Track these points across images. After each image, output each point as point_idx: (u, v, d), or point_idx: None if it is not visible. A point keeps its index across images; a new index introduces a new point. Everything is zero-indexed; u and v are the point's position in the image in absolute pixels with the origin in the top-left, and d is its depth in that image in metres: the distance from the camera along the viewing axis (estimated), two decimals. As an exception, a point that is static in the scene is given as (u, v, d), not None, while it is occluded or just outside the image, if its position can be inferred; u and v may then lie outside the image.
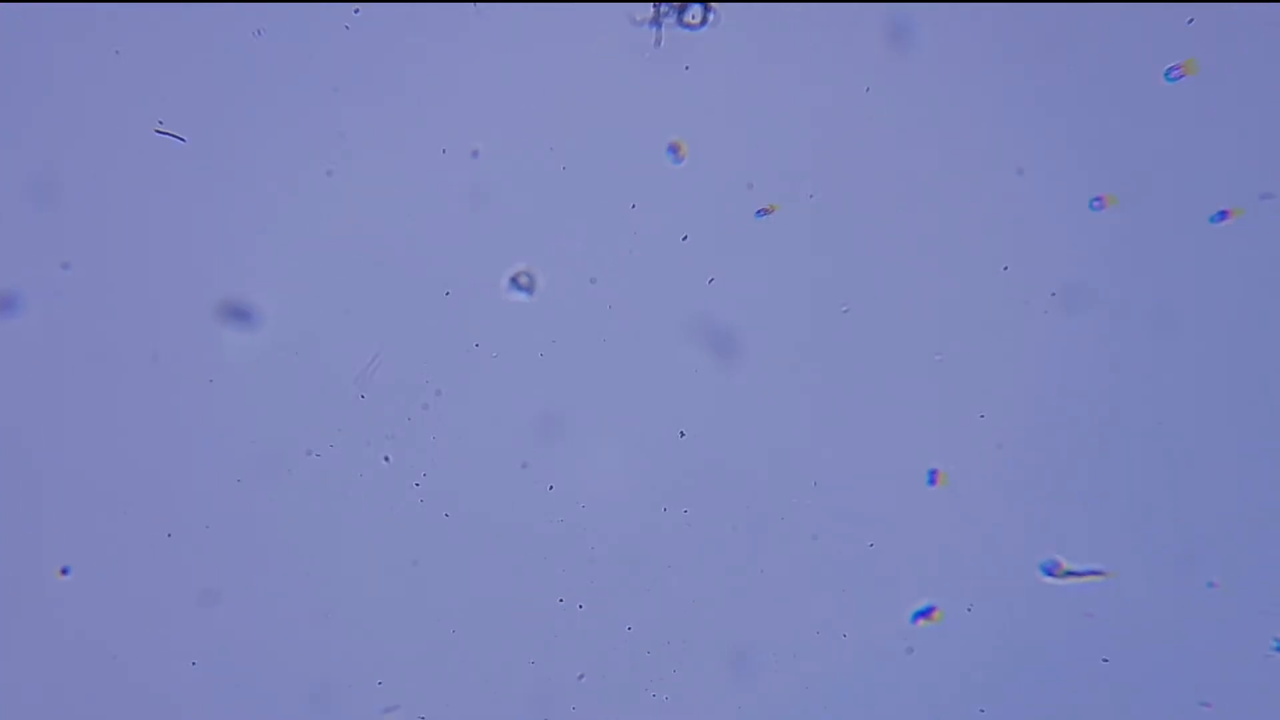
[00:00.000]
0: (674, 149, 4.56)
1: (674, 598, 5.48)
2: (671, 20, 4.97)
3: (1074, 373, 5.29)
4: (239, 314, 5.23)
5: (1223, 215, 4.88)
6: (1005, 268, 5.22)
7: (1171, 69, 4.76)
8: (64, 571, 5.34)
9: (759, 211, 4.67)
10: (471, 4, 5.04)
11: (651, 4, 4.96)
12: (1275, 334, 5.24)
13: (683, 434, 5.37)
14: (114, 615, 5.43)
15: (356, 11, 5.04)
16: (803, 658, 5.50)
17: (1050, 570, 5.14)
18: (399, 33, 5.08)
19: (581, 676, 5.52)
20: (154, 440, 5.33)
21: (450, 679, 5.52)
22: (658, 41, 4.99)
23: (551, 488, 5.40)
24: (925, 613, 5.32)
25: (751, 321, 5.30)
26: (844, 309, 5.24)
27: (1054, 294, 5.20)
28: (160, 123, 5.08)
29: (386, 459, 5.37)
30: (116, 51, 5.06)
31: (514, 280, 4.70)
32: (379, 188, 5.21)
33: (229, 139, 5.14)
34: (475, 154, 5.14)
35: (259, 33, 4.50)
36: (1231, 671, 5.43)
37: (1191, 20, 4.99)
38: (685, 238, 5.23)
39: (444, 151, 5.17)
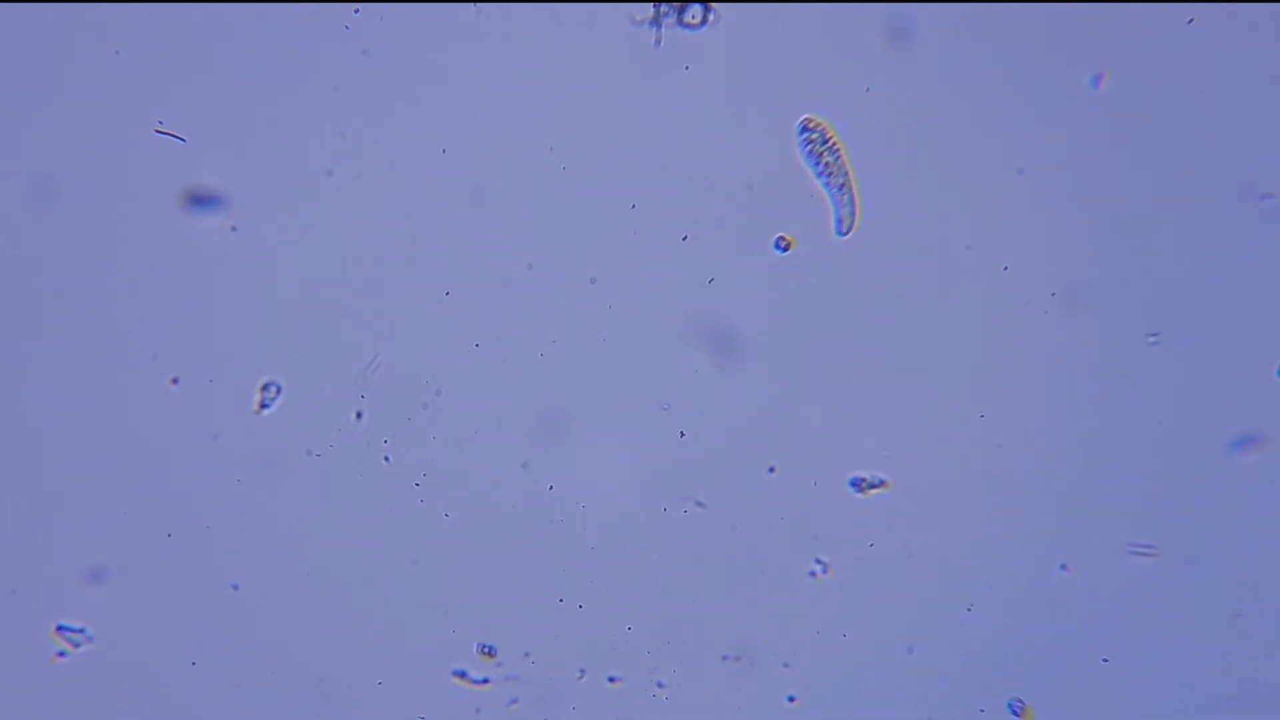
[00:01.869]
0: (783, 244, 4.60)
1: (674, 598, 5.48)
2: (671, 20, 4.97)
3: (1075, 373, 5.29)
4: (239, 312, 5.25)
5: (1097, 81, 4.85)
6: (1005, 268, 5.22)
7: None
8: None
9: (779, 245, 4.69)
10: (471, 4, 5.04)
11: (651, 4, 4.96)
12: (1275, 333, 5.24)
13: (683, 434, 5.37)
14: (114, 614, 5.43)
15: (356, 11, 5.04)
16: (803, 658, 5.50)
17: (855, 484, 5.16)
18: (398, 33, 5.08)
19: (582, 676, 5.52)
20: (154, 440, 5.33)
21: (450, 679, 5.52)
22: (658, 41, 4.99)
23: (551, 488, 5.41)
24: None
25: (751, 321, 5.30)
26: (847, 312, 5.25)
27: (1054, 294, 5.21)
28: (160, 123, 5.08)
29: (386, 459, 5.37)
30: (116, 51, 5.06)
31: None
32: (379, 188, 5.21)
33: (229, 139, 5.14)
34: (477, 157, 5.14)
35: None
36: (1230, 671, 5.43)
37: (1192, 20, 4.99)
38: (685, 238, 5.24)
39: (444, 151, 5.17)
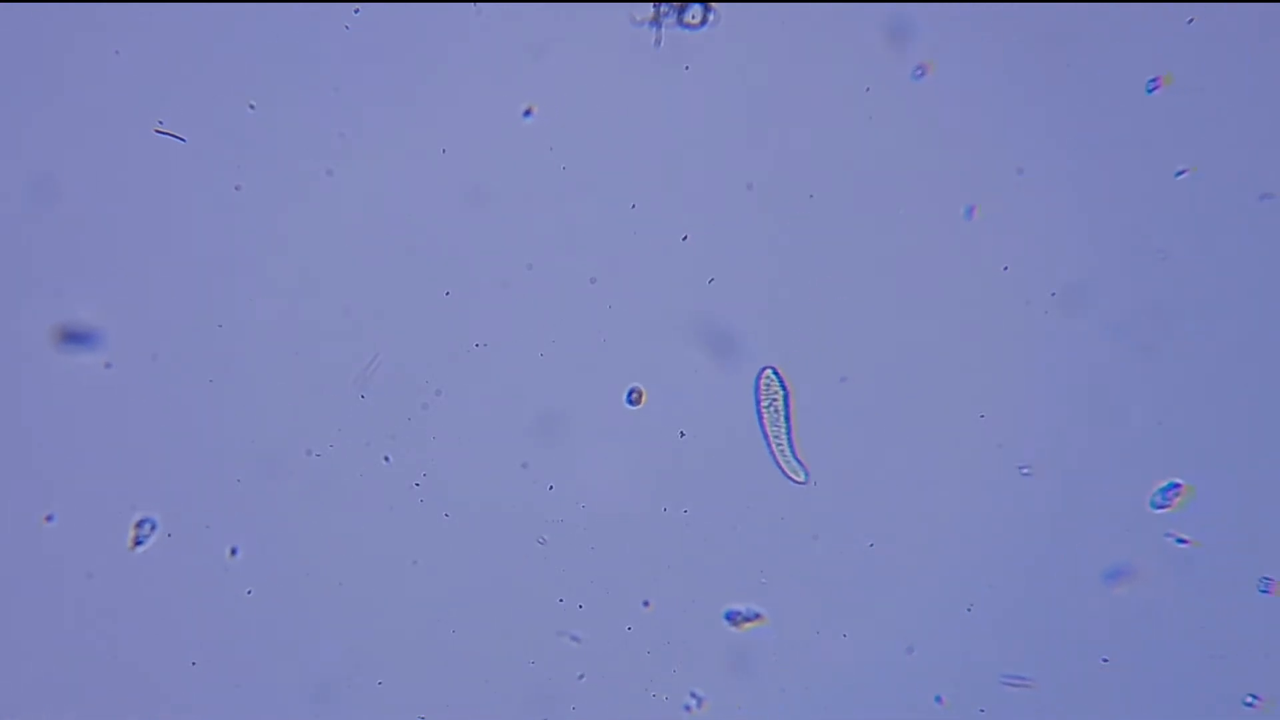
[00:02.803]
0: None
1: (674, 597, 5.48)
2: (671, 20, 4.97)
3: (1074, 373, 5.29)
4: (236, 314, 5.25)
5: (1154, 83, 4.88)
6: (1005, 268, 5.22)
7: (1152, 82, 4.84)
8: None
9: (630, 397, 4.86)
10: (471, 4, 5.04)
11: (651, 4, 4.96)
12: (1275, 334, 5.24)
13: (683, 434, 5.37)
14: (114, 614, 5.43)
15: (356, 11, 5.04)
16: (803, 658, 5.50)
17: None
18: (399, 33, 5.09)
19: (581, 676, 5.53)
20: (154, 440, 5.34)
21: (450, 679, 5.53)
22: (658, 41, 4.99)
23: (551, 488, 5.41)
24: None
25: (751, 321, 5.30)
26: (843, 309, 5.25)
27: (1054, 294, 5.21)
28: (160, 123, 5.08)
29: (386, 459, 5.37)
30: (116, 51, 5.06)
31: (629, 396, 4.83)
32: (379, 188, 5.21)
33: (229, 139, 5.14)
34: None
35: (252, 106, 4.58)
36: (1230, 671, 5.43)
37: (1192, 20, 5.00)
38: (685, 238, 5.24)
39: (444, 151, 5.17)
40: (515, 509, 5.43)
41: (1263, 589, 5.15)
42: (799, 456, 5.23)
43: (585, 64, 5.12)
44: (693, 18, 4.96)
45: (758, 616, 5.30)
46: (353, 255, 5.28)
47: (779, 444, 5.19)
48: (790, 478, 5.22)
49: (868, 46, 5.06)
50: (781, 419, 5.13)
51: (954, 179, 5.19)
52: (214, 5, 5.05)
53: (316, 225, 5.24)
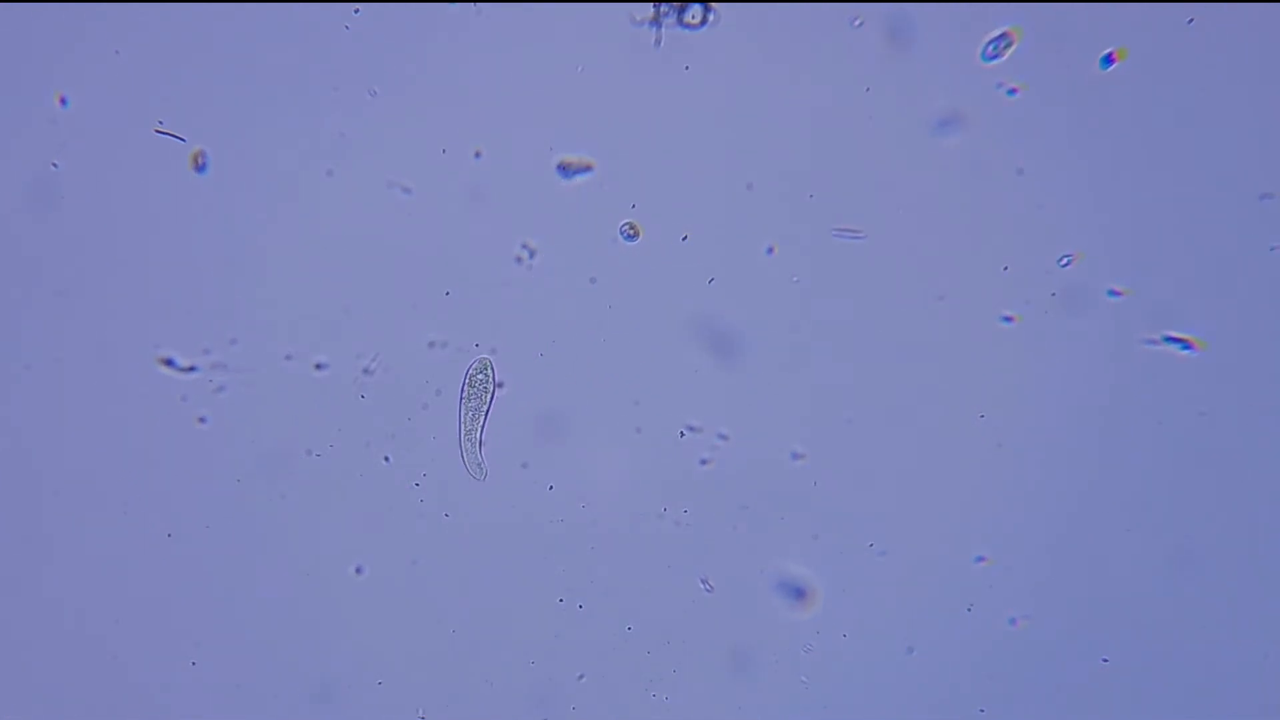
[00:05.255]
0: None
1: (674, 598, 5.49)
2: (671, 20, 4.97)
3: (1074, 373, 5.29)
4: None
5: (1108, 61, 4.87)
6: (1005, 268, 5.22)
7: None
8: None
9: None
10: (472, 4, 5.04)
11: (651, 4, 4.96)
12: (1275, 334, 5.24)
13: (683, 434, 5.37)
14: (114, 615, 5.43)
15: (356, 11, 5.04)
16: (803, 658, 5.50)
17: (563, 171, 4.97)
18: (399, 33, 5.09)
19: (581, 676, 5.53)
20: (155, 440, 5.34)
21: (450, 679, 5.53)
22: (658, 41, 4.99)
23: (551, 488, 5.41)
24: None
25: (751, 321, 5.30)
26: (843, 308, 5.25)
27: (1054, 294, 5.21)
28: (160, 123, 5.08)
29: (386, 459, 5.38)
30: (116, 51, 5.06)
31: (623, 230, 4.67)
32: (379, 188, 5.21)
33: (229, 139, 5.14)
34: (477, 155, 5.14)
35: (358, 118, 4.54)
36: (1225, 670, 5.43)
37: (1191, 20, 5.00)
38: (685, 237, 5.24)
39: (444, 151, 5.17)
40: (515, 509, 5.43)
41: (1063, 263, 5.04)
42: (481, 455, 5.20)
43: (585, 64, 5.12)
44: (693, 18, 4.96)
45: (587, 169, 5.03)
46: (353, 255, 5.28)
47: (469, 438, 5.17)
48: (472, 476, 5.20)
49: (868, 46, 5.06)
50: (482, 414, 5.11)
51: (954, 179, 5.19)
52: (214, 5, 5.05)
53: (316, 225, 5.24)
